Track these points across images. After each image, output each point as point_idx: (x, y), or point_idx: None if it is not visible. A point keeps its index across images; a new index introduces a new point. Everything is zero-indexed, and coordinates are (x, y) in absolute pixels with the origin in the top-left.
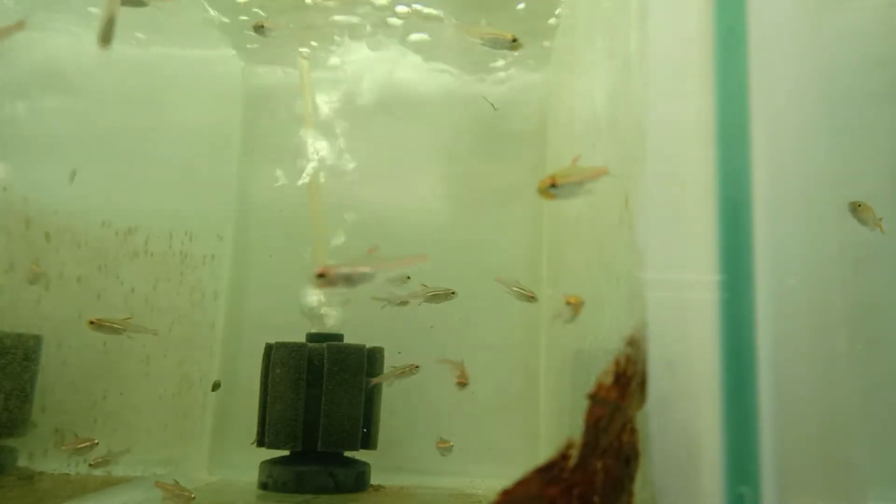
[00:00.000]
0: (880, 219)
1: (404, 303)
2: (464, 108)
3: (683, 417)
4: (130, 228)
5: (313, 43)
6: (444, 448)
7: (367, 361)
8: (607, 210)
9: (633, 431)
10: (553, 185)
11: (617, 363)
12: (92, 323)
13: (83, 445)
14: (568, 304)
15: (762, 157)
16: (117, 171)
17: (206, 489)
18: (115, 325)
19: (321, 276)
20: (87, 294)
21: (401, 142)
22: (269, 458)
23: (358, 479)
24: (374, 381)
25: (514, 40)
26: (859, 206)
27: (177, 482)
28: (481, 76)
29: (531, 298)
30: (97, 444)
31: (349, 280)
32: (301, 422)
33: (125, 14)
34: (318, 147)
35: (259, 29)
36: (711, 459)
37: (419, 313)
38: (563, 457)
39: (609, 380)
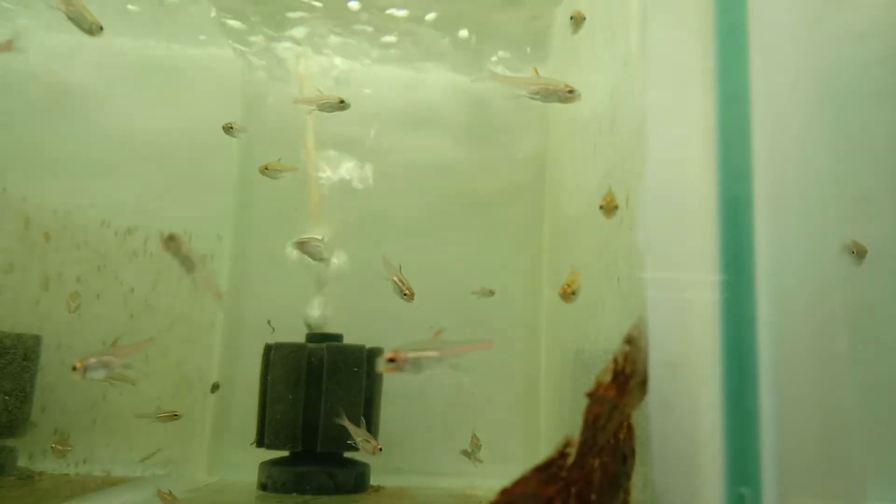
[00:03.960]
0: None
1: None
2: (463, 108)
3: (684, 418)
4: (130, 228)
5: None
6: (476, 446)
7: (366, 362)
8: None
9: (629, 429)
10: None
11: (615, 361)
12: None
13: (165, 414)
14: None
15: (763, 156)
16: (117, 171)
17: (206, 489)
18: None
19: (391, 360)
20: (87, 294)
21: (401, 141)
22: (268, 458)
23: (358, 480)
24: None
25: (572, 91)
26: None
27: (171, 492)
28: (480, 75)
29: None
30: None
31: (417, 365)
32: (301, 422)
33: (121, 12)
34: (318, 146)
35: (228, 130)
36: (712, 460)
37: (419, 314)
38: (562, 455)
39: (607, 378)
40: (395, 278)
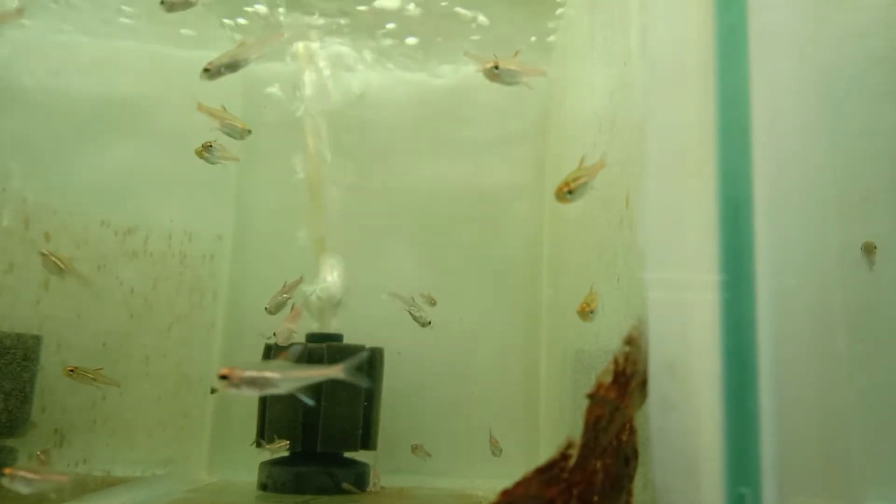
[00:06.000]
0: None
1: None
2: (463, 107)
3: (684, 418)
4: (130, 228)
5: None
6: (495, 448)
7: (366, 362)
8: (607, 210)
9: (632, 431)
10: (570, 192)
11: (616, 362)
12: (71, 371)
13: (278, 445)
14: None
15: (763, 156)
16: (117, 171)
17: (206, 489)
18: (88, 375)
19: (223, 377)
20: (87, 294)
21: (399, 141)
22: (268, 458)
23: (357, 480)
24: None
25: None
26: (875, 247)
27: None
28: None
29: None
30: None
31: (253, 384)
32: (300, 422)
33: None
34: (317, 144)
35: (208, 149)
36: (712, 460)
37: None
38: (563, 457)
39: (608, 379)
40: (410, 311)
